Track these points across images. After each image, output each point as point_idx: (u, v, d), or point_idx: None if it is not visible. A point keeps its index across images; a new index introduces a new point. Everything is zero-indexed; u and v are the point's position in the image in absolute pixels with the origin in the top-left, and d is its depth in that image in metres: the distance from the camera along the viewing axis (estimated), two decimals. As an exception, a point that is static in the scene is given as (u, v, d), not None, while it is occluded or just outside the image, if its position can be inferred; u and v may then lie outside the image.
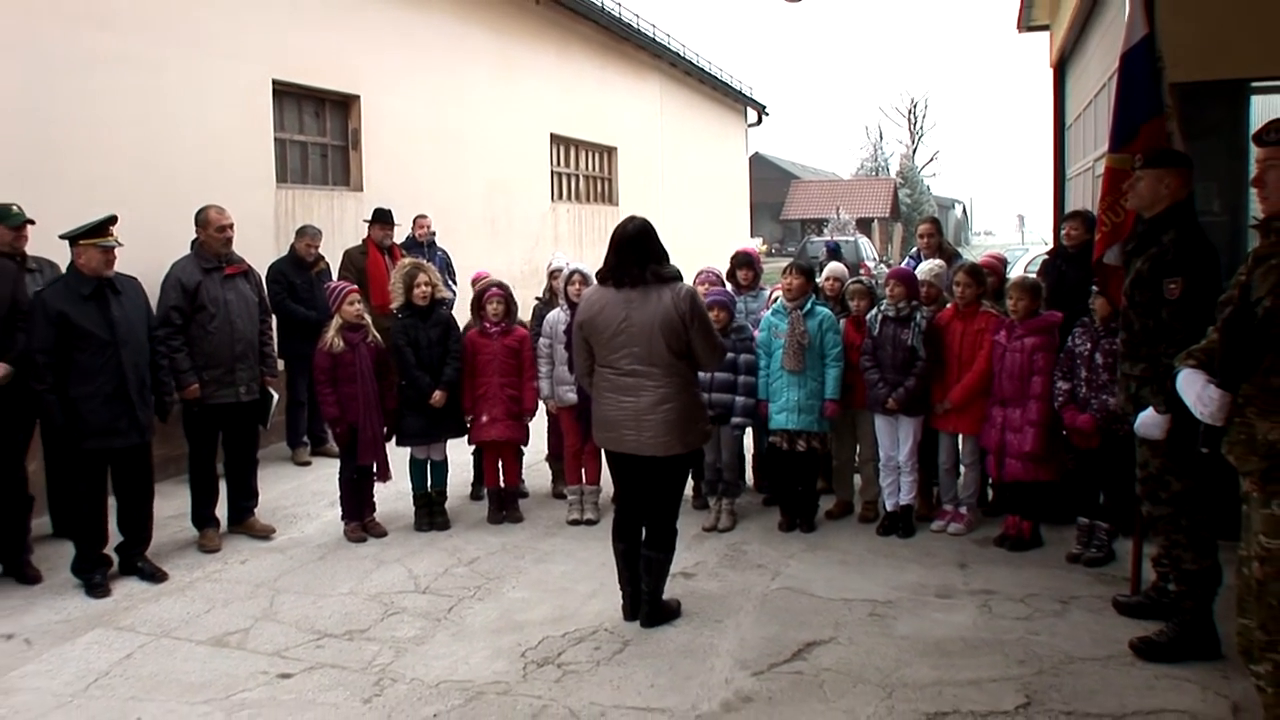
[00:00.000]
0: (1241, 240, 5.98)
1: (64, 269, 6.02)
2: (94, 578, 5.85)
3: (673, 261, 5.13)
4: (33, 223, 6.29)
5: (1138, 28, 5.44)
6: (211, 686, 4.61)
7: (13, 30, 7.21)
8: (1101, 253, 5.56)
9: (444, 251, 10.52)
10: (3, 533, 6.09)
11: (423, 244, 10.27)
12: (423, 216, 10.51)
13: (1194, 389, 3.57)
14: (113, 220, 5.86)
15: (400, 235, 10.10)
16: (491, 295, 6.99)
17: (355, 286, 6.98)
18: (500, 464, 7.13)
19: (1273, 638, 3.28)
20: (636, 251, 5.01)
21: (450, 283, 9.66)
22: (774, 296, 7.00)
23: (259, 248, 8.70)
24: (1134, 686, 4.39)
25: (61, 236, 5.86)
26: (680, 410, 5.01)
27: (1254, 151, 3.48)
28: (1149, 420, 4.56)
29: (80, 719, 4.35)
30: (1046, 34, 13.94)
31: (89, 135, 7.75)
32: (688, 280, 5.33)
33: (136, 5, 8.22)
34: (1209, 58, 6.08)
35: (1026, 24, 14.17)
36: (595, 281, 5.35)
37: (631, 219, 5.16)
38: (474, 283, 7.58)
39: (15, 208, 6.25)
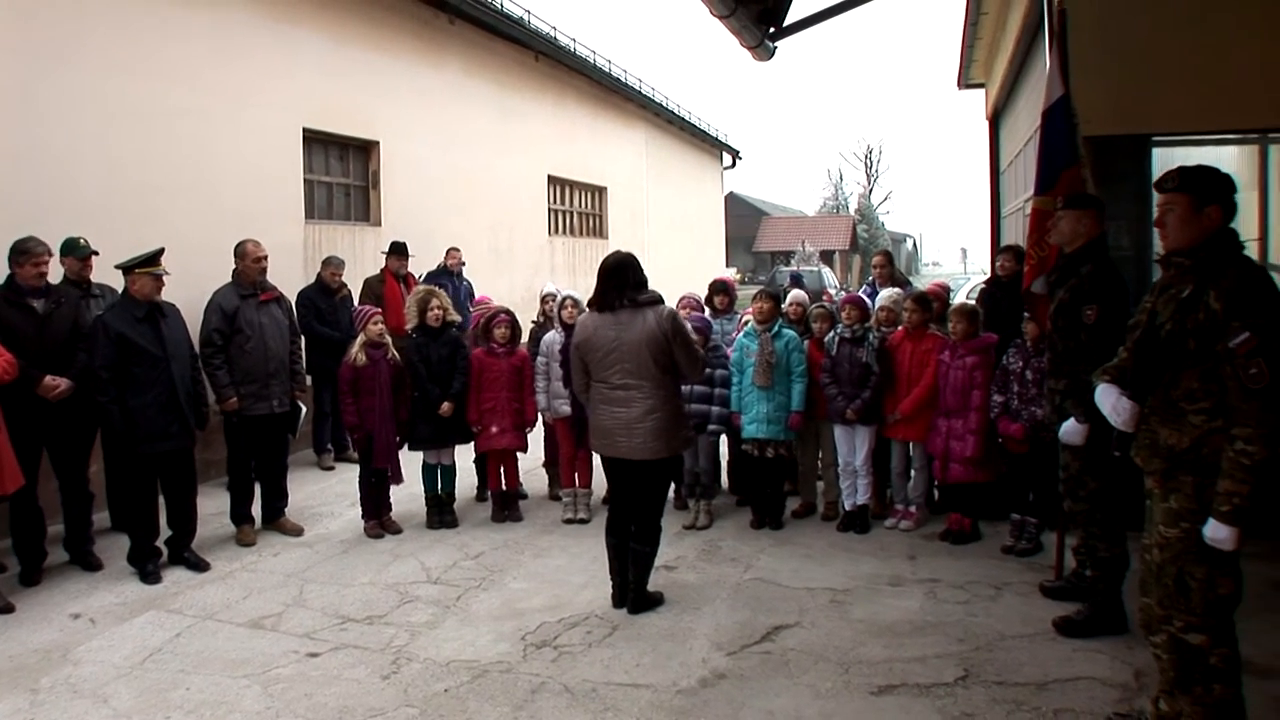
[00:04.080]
0: (1147, 272, 6.11)
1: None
2: (147, 566, 5.91)
3: (657, 288, 5.22)
4: (97, 254, 6.39)
5: (1056, 88, 5.61)
6: (250, 663, 4.66)
7: (82, 86, 7.30)
8: (1030, 282, 5.67)
9: (469, 282, 10.67)
10: (69, 526, 6.17)
11: (454, 273, 10.39)
12: (455, 249, 10.69)
13: (1109, 400, 3.65)
14: (161, 252, 5.96)
15: (432, 264, 10.39)
16: (500, 321, 7.04)
17: (379, 310, 7.03)
18: (502, 469, 7.16)
19: (1168, 612, 3.37)
20: (620, 279, 5.12)
21: (470, 308, 9.78)
22: (745, 320, 7.06)
23: (289, 276, 8.76)
24: (1055, 658, 4.49)
25: (117, 266, 5.94)
26: (666, 419, 5.09)
27: (1155, 197, 3.60)
28: (1071, 428, 4.67)
29: (138, 688, 4.40)
30: (983, 91, 14.14)
31: (145, 177, 7.82)
32: (671, 304, 5.43)
33: (187, 63, 8.30)
34: (1116, 116, 6.24)
35: (965, 82, 14.37)
36: (587, 308, 5.44)
37: (615, 253, 5.28)
38: (475, 305, 7.66)
39: (82, 240, 6.36)
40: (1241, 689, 3.37)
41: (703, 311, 7.37)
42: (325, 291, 8.85)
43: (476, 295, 10.38)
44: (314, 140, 10.23)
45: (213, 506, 7.00)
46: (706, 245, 26.38)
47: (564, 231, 17.13)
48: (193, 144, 8.35)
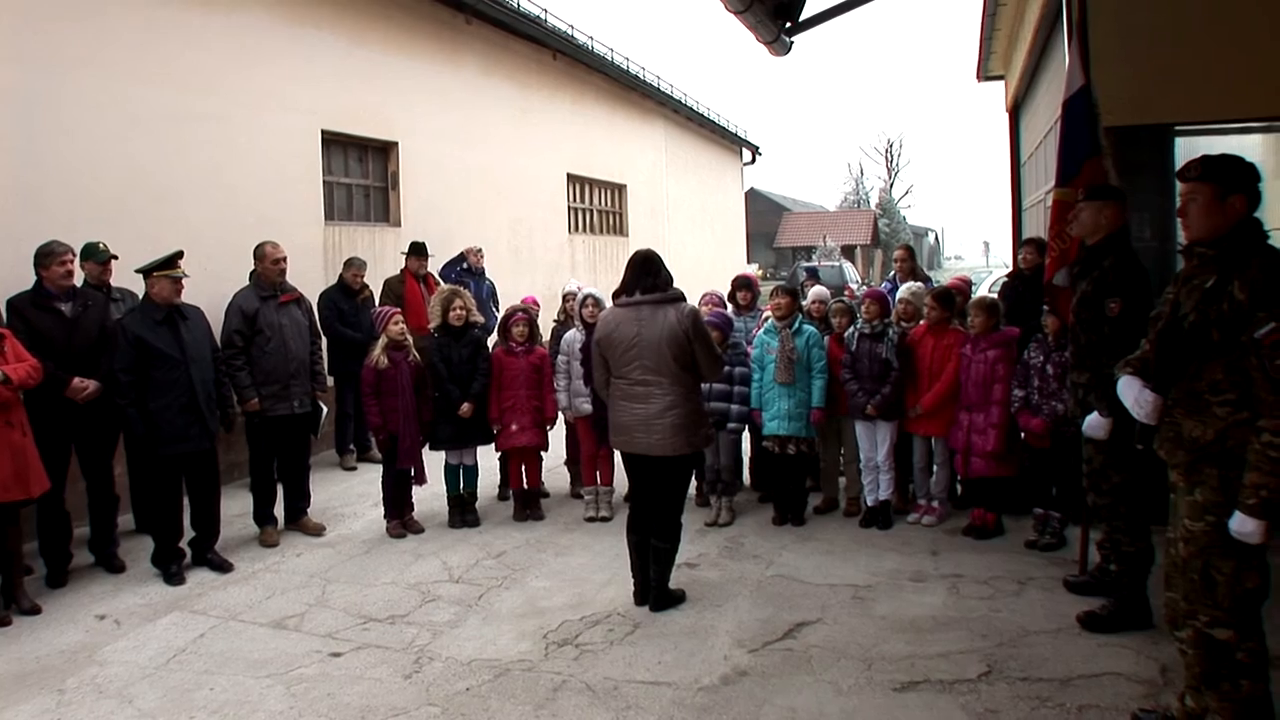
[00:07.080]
0: (1170, 263, 6.05)
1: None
2: (171, 568, 5.95)
3: (678, 285, 5.23)
4: (116, 258, 6.43)
5: (1076, 78, 5.56)
6: (273, 663, 4.68)
7: (102, 92, 7.36)
8: (1052, 275, 5.64)
9: (491, 282, 10.68)
10: (95, 528, 6.22)
11: (476, 271, 10.44)
12: (478, 250, 10.72)
13: (1132, 393, 3.61)
14: (180, 255, 5.99)
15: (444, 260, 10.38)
16: (517, 319, 7.08)
17: (399, 310, 7.04)
18: (524, 468, 7.16)
19: (1193, 607, 3.34)
20: (646, 271, 5.14)
21: (495, 309, 9.83)
22: (765, 317, 7.05)
23: (310, 278, 8.83)
24: (1080, 654, 4.46)
25: (136, 270, 5.99)
26: (685, 416, 5.08)
27: (1178, 187, 3.55)
28: (1094, 422, 4.63)
29: (162, 689, 4.43)
30: (1002, 83, 14.09)
31: (165, 181, 7.88)
32: (693, 301, 5.43)
33: (206, 68, 8.36)
34: (1137, 105, 6.17)
35: (985, 74, 14.28)
36: (609, 303, 5.44)
37: (643, 249, 5.32)
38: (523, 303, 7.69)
39: (102, 245, 6.40)
40: (1269, 684, 3.33)
41: (725, 309, 7.34)
42: (347, 293, 8.88)
43: (500, 295, 10.45)
44: (333, 142, 10.27)
45: (236, 508, 7.05)
46: (727, 241, 26.31)
47: (584, 229, 17.08)
48: (212, 148, 8.40)
